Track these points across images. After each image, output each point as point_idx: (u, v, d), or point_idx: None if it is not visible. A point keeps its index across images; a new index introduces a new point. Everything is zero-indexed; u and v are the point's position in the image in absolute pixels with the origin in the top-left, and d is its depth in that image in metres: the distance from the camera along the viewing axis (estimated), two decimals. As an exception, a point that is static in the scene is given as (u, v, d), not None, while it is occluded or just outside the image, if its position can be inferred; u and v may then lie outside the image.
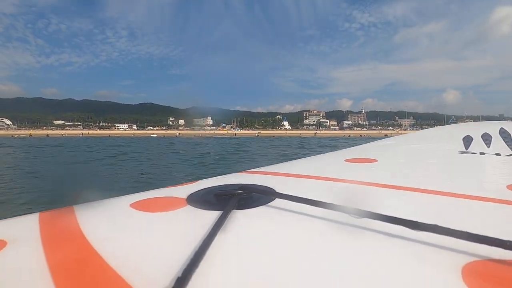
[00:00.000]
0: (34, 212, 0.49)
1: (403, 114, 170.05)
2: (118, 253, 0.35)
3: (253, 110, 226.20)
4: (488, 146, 1.15)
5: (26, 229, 0.43)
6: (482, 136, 1.30)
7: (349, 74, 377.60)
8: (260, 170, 0.83)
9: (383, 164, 0.90)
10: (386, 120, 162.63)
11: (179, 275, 0.29)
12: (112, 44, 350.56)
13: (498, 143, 1.18)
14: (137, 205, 0.52)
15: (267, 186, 0.61)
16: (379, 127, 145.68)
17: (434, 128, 1.72)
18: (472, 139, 1.28)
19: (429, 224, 0.34)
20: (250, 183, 0.64)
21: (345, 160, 0.94)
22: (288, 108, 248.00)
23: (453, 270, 0.30)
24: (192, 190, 0.59)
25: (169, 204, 0.52)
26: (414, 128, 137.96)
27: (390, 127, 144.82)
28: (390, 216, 0.37)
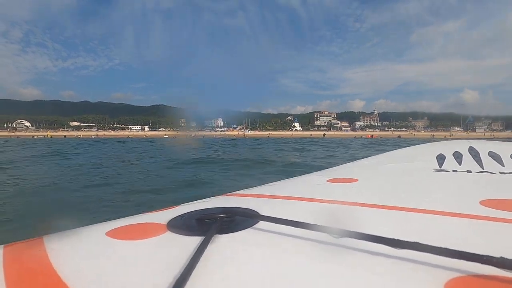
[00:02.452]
0: None
1: (417, 115, 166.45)
2: (92, 287, 0.34)
3: (263, 112, 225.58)
4: (460, 164, 1.21)
5: None
6: (453, 154, 1.37)
7: (361, 74, 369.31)
8: (242, 192, 0.84)
9: (363, 183, 0.93)
10: (399, 121, 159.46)
11: None
12: (125, 47, 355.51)
13: (468, 160, 1.26)
14: (113, 233, 0.50)
15: (250, 209, 0.61)
16: (392, 128, 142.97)
17: (410, 147, 1.78)
18: (445, 157, 1.34)
19: (410, 242, 0.35)
20: (232, 206, 0.64)
21: (327, 180, 0.97)
22: (299, 109, 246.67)
23: (435, 287, 0.30)
24: (172, 215, 0.58)
25: (148, 231, 0.51)
26: (429, 130, 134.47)
27: (404, 128, 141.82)
28: (372, 235, 0.38)
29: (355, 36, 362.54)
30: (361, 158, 1.61)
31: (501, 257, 0.30)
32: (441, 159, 1.31)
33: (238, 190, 0.86)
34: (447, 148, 1.49)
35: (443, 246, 0.33)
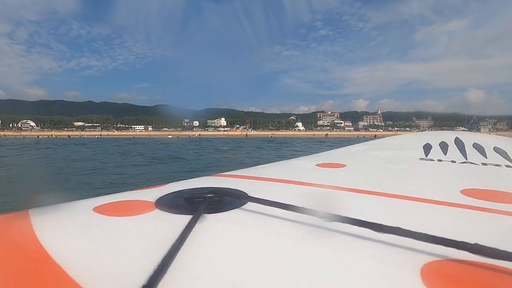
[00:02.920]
0: None
1: (421, 115, 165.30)
2: (78, 261, 0.33)
3: (267, 111, 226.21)
4: (445, 154, 1.24)
5: None
6: (440, 144, 1.41)
7: (364, 74, 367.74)
8: (232, 173, 0.84)
9: (351, 169, 0.94)
10: (403, 121, 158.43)
11: (145, 283, 0.28)
12: (129, 48, 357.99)
13: (453, 151, 1.29)
14: (101, 209, 0.49)
15: (239, 190, 0.61)
16: (396, 128, 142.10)
17: (398, 136, 1.81)
18: (431, 146, 1.37)
19: (392, 227, 0.36)
20: (221, 186, 0.64)
21: (316, 165, 0.98)
22: (302, 109, 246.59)
23: (413, 270, 0.32)
24: (161, 194, 0.58)
25: (136, 208, 0.50)
26: (433, 129, 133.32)
27: (407, 128, 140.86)
28: (357, 219, 0.39)
29: (359, 35, 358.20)
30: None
31: (476, 243, 0.32)
32: (427, 148, 1.34)
33: (228, 171, 0.86)
34: (434, 138, 1.53)
35: (423, 231, 0.34)
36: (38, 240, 0.38)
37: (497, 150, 1.29)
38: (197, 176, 0.72)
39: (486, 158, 1.16)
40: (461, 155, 1.21)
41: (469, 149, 1.31)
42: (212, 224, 0.43)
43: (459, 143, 1.41)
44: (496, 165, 1.03)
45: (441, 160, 1.10)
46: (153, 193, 0.58)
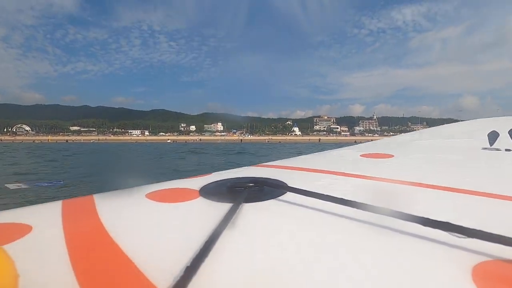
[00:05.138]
0: (57, 200, 0.53)
1: (416, 120, 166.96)
2: (132, 240, 0.37)
3: (264, 116, 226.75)
4: None
5: (49, 215, 0.46)
6: (509, 132, 1.24)
7: (360, 79, 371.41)
8: (273, 164, 0.84)
9: (399, 159, 0.90)
10: (398, 126, 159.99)
11: (188, 264, 0.30)
12: (126, 52, 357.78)
13: None
14: (152, 196, 0.55)
15: (278, 180, 0.62)
16: (391, 133, 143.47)
17: (453, 123, 1.68)
18: (499, 134, 1.22)
19: (441, 222, 0.33)
20: (263, 176, 0.65)
21: (360, 155, 0.95)
22: (299, 113, 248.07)
23: (463, 270, 0.29)
24: (205, 182, 0.61)
25: (182, 195, 0.54)
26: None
27: (403, 133, 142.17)
28: (401, 212, 0.37)
29: (354, 41, 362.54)
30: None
31: None
32: (493, 136, 1.20)
33: (269, 162, 0.87)
34: (502, 124, 1.37)
35: (482, 228, 0.32)
36: (101, 221, 0.43)
37: None
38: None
39: None
40: None
41: None
42: (251, 212, 0.44)
43: None
44: None
45: (509, 150, 0.99)
46: (197, 182, 0.61)
